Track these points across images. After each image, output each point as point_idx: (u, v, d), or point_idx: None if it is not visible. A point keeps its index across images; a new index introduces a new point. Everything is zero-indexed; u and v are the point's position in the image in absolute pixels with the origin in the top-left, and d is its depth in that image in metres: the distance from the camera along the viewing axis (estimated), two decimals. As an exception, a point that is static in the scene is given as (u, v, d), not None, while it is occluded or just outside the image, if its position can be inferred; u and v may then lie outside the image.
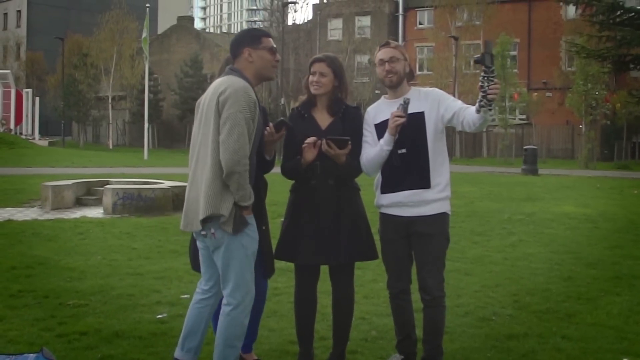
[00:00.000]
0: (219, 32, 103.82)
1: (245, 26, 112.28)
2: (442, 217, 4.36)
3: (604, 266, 8.21)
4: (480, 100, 4.00)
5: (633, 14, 22.78)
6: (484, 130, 4.66)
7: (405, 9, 54.22)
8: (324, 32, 57.21)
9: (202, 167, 3.95)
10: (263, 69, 4.14)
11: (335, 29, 56.84)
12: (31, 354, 4.69)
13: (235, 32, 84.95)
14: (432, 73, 49.17)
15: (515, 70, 44.65)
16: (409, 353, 4.53)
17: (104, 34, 49.90)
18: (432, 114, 4.33)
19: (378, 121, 4.42)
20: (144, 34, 29.57)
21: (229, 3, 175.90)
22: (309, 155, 4.37)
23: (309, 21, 59.76)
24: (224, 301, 4.03)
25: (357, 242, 4.50)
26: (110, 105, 50.53)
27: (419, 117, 4.33)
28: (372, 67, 53.18)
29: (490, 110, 4.03)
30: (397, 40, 54.14)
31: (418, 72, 52.69)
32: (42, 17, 65.67)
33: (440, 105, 4.35)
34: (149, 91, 39.06)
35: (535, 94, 44.03)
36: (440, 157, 4.39)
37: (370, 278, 7.21)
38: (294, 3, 52.51)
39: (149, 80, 40.18)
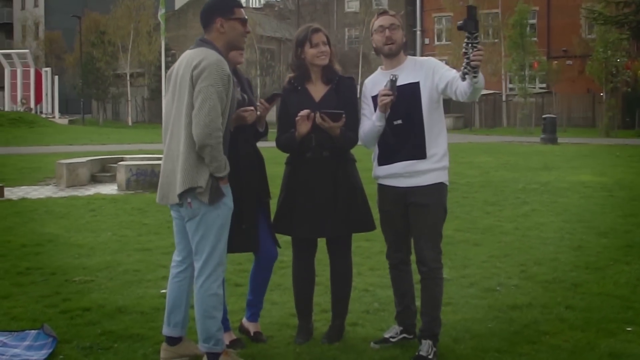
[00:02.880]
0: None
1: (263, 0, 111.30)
2: (439, 187, 4.28)
3: (616, 235, 8.10)
4: (464, 67, 3.90)
5: (652, -22, 22.34)
6: (476, 100, 4.48)
7: (423, -21, 53.45)
8: (341, 4, 56.77)
9: (176, 141, 3.94)
10: (234, 40, 4.10)
11: (352, 0, 56.35)
12: (32, 331, 4.73)
13: (254, 5, 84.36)
14: (450, 43, 48.63)
15: (535, 39, 44.06)
16: (408, 324, 4.49)
17: (120, 11, 49.80)
18: (427, 84, 4.25)
19: (375, 93, 4.33)
20: (161, 11, 29.36)
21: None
22: (303, 127, 4.32)
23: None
24: (196, 273, 4.02)
25: (354, 214, 4.45)
26: (128, 82, 50.61)
27: (414, 87, 4.25)
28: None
29: (475, 77, 3.92)
30: (415, 10, 53.60)
31: (437, 43, 52.29)
32: (60, -5, 65.68)
33: (434, 75, 4.26)
34: (167, 67, 39.03)
35: (555, 62, 43.47)
36: (437, 127, 4.30)
37: (378, 249, 7.14)
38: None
39: (167, 56, 40.00)
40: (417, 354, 4.19)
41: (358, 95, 4.55)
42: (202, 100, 3.77)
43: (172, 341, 4.26)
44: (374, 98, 4.31)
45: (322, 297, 5.24)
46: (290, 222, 4.48)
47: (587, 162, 17.95)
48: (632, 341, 4.48)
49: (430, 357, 4.14)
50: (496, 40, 45.25)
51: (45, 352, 4.39)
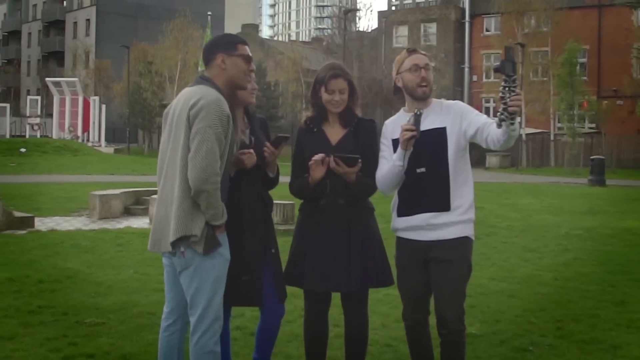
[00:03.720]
0: (287, 39, 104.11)
1: (313, 34, 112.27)
2: (464, 241, 3.94)
3: (664, 290, 7.60)
4: (501, 114, 3.59)
5: None
6: (511, 144, 4.12)
7: (472, 16, 53.32)
8: (389, 39, 56.78)
9: (170, 185, 3.71)
10: (236, 77, 3.88)
11: (401, 36, 56.30)
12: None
13: (303, 40, 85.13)
14: (498, 80, 48.16)
15: (585, 78, 43.46)
16: (426, 390, 4.14)
17: (168, 42, 50.54)
18: (455, 130, 3.94)
19: (396, 135, 4.04)
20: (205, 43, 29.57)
21: (297, 11, 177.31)
22: (317, 173, 4.05)
23: (374, 29, 59.53)
24: (192, 328, 3.76)
25: (369, 267, 4.15)
26: (174, 113, 51.17)
27: (441, 133, 3.95)
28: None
29: (512, 124, 3.61)
30: (463, 47, 53.35)
31: (484, 80, 51.85)
32: (110, 25, 66.80)
33: (463, 120, 3.95)
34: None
35: (605, 102, 42.71)
36: (462, 176, 3.99)
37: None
38: (356, 11, 52.28)
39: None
40: None
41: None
42: (199, 143, 3.54)
43: (167, 400, 3.98)
44: (395, 141, 4.02)
45: (339, 351, 4.91)
46: (301, 273, 4.18)
47: (635, 207, 17.31)
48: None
49: None
50: (545, 79, 44.70)
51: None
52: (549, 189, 24.26)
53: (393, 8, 59.52)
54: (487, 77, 51.61)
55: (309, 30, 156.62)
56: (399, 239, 4.11)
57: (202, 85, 3.75)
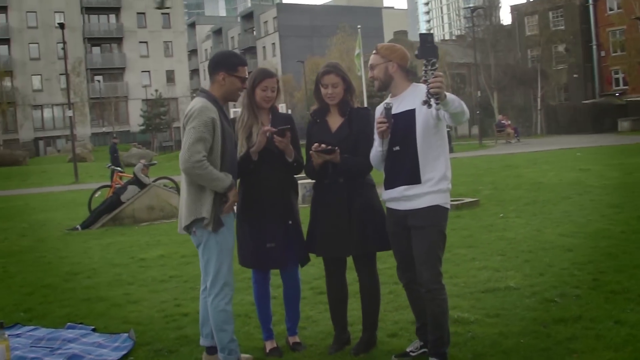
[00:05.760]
0: (440, 40, 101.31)
1: (463, 32, 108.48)
2: (435, 209, 3.59)
3: None
4: (426, 95, 3.23)
5: None
6: (462, 123, 3.65)
7: (595, -1, 49.14)
8: (522, 29, 53.78)
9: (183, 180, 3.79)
10: (231, 93, 3.85)
11: (531, 24, 53.21)
12: (124, 334, 4.71)
13: (454, 38, 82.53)
14: (624, 54, 44.25)
15: None
16: (427, 340, 3.84)
17: (333, 54, 51.09)
18: (423, 110, 3.59)
19: None
20: (357, 51, 29.86)
21: (448, 14, 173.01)
22: (317, 160, 3.93)
23: (510, 23, 56.74)
24: (208, 292, 3.80)
25: (369, 234, 3.92)
26: (344, 110, 51.78)
27: (410, 114, 3.63)
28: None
29: (437, 104, 3.23)
30: (589, 27, 49.23)
31: (612, 54, 47.60)
32: (291, 46, 68.51)
33: None
34: (369, 96, 39.23)
35: None
36: (435, 152, 3.61)
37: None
38: (481, 8, 50.06)
39: (372, 85, 39.94)
40: (422, 371, 3.56)
41: None
42: (185, 140, 3.62)
43: (211, 350, 4.03)
44: None
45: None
46: (314, 241, 4.07)
47: None
48: (666, 365, 3.46)
49: (434, 375, 3.50)
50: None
51: (120, 354, 4.33)
52: (666, 147, 21.81)
53: (525, 0, 55.93)
54: (615, 51, 47.38)
55: (459, 29, 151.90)
56: (387, 208, 3.84)
57: (197, 97, 3.80)
